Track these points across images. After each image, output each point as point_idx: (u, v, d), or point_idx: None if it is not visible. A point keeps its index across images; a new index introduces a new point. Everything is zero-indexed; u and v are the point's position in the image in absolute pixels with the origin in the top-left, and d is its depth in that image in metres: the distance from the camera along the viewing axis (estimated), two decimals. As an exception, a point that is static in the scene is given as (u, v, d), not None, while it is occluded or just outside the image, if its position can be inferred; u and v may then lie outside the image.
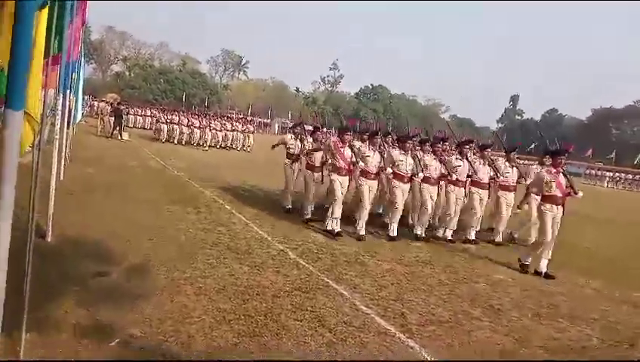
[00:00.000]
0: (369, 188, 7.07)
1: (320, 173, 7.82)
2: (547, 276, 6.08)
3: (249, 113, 31.90)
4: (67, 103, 7.27)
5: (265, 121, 58.58)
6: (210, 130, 22.38)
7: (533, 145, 37.82)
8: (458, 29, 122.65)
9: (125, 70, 68.35)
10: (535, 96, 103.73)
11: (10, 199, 1.52)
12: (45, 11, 2.22)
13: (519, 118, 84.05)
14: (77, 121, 12.95)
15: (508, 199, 8.00)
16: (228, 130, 23.31)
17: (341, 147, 7.02)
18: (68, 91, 6.99)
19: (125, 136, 20.44)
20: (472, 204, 7.81)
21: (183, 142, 21.62)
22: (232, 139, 23.43)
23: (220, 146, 22.66)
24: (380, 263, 5.79)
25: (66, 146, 8.62)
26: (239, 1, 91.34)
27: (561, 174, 6.33)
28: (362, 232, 6.93)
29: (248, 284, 4.45)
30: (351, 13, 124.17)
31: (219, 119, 23.98)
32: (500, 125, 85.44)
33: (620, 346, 4.15)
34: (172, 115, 23.29)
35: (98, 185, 8.54)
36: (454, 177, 7.44)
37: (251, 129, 25.23)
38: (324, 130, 8.52)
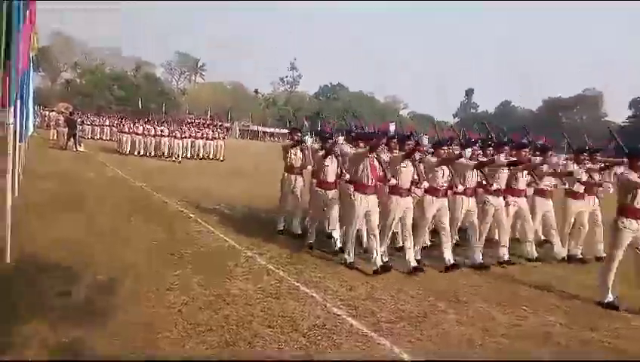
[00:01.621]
0: (399, 205, 5.73)
1: (334, 191, 6.40)
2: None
3: (208, 117, 31.16)
4: (19, 115, 7.00)
5: (225, 125, 57.99)
6: (181, 138, 20.41)
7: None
8: (412, 26, 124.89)
9: (76, 77, 66.00)
10: (489, 89, 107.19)
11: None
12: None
13: (474, 111, 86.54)
14: (29, 134, 12.43)
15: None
16: (198, 138, 21.38)
17: (370, 157, 5.61)
18: (19, 102, 6.73)
19: (80, 147, 19.76)
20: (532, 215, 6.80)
21: (151, 155, 20.04)
22: (202, 148, 21.37)
23: (192, 156, 20.72)
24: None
25: (20, 161, 8.29)
26: (194, 2, 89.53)
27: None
28: (379, 261, 5.56)
29: (218, 293, 4.43)
30: (305, 13, 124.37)
31: (187, 126, 22.10)
32: (456, 119, 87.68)
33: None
34: (135, 123, 21.44)
35: (55, 199, 8.24)
36: (494, 186, 6.22)
37: (221, 134, 23.07)
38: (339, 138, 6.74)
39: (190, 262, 5.34)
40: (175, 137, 20.30)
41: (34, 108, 19.40)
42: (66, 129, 20.06)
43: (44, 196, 8.40)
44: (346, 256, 5.78)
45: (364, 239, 6.26)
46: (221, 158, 21.44)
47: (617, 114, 77.83)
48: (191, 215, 8.04)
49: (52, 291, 4.12)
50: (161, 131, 20.68)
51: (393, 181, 5.53)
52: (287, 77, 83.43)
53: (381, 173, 5.60)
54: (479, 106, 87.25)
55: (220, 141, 22.17)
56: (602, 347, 4.01)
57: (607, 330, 4.36)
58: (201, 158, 20.68)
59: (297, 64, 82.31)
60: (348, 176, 6.01)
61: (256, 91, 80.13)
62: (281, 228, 7.20)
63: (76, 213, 7.34)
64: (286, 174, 7.15)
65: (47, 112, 34.13)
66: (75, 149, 19.21)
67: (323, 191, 6.35)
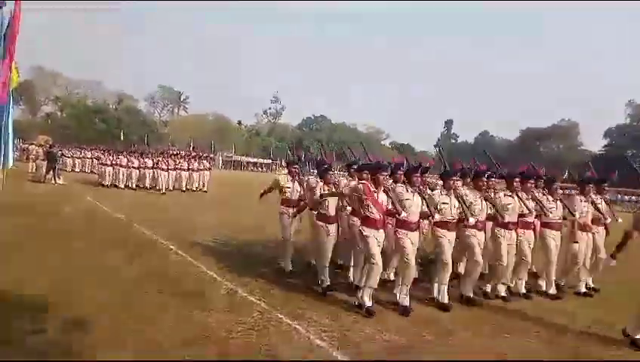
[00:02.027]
0: (411, 242, 5.42)
1: (335, 225, 6.13)
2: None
3: (190, 148, 30.99)
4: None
5: (210, 155, 57.92)
6: (167, 170, 19.85)
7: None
8: (392, 54, 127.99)
9: (56, 110, 65.64)
10: (467, 120, 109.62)
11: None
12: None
13: (454, 141, 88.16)
14: (9, 167, 12.20)
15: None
16: (183, 170, 20.58)
17: (374, 191, 5.32)
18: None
19: (60, 180, 19.47)
20: (548, 249, 6.52)
21: (133, 186, 19.66)
22: (187, 179, 20.68)
23: (176, 188, 20.13)
24: (334, 294, 5.79)
25: (-5, 195, 8.10)
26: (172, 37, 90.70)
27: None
28: (406, 302, 5.38)
29: (199, 327, 4.33)
30: (285, 42, 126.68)
31: (172, 158, 21.11)
32: (437, 149, 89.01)
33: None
34: (117, 155, 20.88)
35: (31, 234, 8.05)
36: (506, 219, 5.96)
37: (207, 165, 22.36)
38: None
39: (170, 296, 5.22)
40: (160, 168, 19.83)
41: (13, 142, 19.15)
42: (46, 162, 19.80)
43: (19, 231, 8.20)
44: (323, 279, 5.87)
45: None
46: (205, 189, 21.03)
47: (593, 142, 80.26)
48: (171, 246, 7.89)
49: (26, 329, 3.98)
50: (145, 163, 20.25)
51: (404, 214, 5.21)
52: (270, 109, 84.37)
53: (390, 207, 5.33)
54: (459, 136, 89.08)
55: (205, 172, 21.67)
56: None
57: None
58: (185, 190, 20.23)
59: (280, 95, 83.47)
60: (349, 209, 5.86)
61: (239, 123, 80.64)
62: (291, 269, 6.74)
63: (53, 249, 7.17)
64: (283, 208, 6.77)
65: (27, 145, 33.75)
66: (54, 182, 18.92)
67: (324, 224, 6.07)
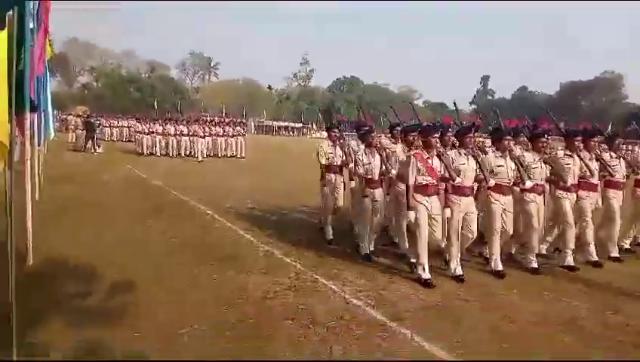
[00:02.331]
0: (461, 210, 5.05)
1: (380, 190, 5.82)
2: None
3: (223, 114, 31.20)
4: (35, 121, 7.11)
5: (243, 121, 58.34)
6: (202, 137, 20.03)
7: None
8: (424, 13, 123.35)
9: (92, 81, 67.07)
10: (505, 75, 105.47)
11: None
12: (4, 35, 2.17)
13: (491, 98, 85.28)
14: (50, 138, 12.66)
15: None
16: (219, 136, 21.00)
17: (427, 157, 4.92)
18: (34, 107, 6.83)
19: (99, 149, 20.09)
20: (610, 210, 6.07)
21: (171, 154, 19.85)
22: (223, 146, 21.04)
23: (214, 155, 20.36)
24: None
25: (39, 165, 8.44)
26: (206, 2, 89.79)
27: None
28: (459, 271, 5.06)
29: (236, 289, 4.45)
30: (318, 8, 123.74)
31: (206, 125, 21.43)
32: (472, 107, 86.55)
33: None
34: (153, 123, 21.22)
35: (76, 202, 8.39)
36: (568, 182, 5.60)
37: (242, 131, 22.36)
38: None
39: (209, 259, 5.37)
40: (197, 136, 19.97)
41: (53, 113, 19.77)
42: (85, 132, 20.42)
43: (64, 199, 8.55)
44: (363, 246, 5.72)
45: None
46: (242, 155, 21.09)
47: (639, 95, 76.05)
48: (208, 212, 8.09)
49: (74, 293, 4.19)
50: (181, 130, 20.36)
51: (458, 180, 4.93)
52: (299, 72, 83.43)
53: (442, 172, 4.92)
54: (496, 93, 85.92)
55: (240, 138, 21.63)
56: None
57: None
58: (222, 156, 20.40)
59: (309, 58, 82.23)
60: (394, 172, 5.68)
61: (269, 87, 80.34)
62: (331, 238, 6.48)
63: (96, 215, 7.46)
64: (328, 174, 6.53)
65: (65, 116, 34.71)
66: (93, 151, 19.54)
67: (368, 190, 5.78)
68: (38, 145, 8.11)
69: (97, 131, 21.11)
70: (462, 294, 4.59)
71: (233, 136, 21.43)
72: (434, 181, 4.89)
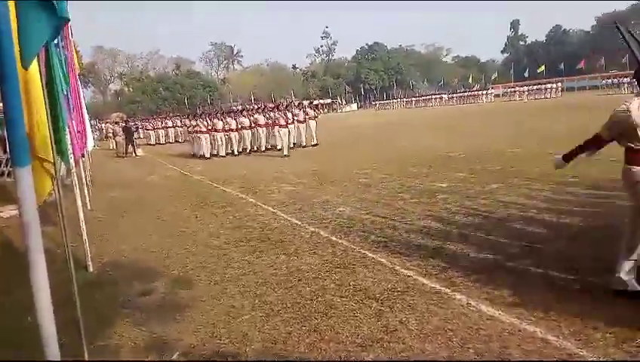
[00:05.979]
0: None
1: None
2: None
3: (252, 101, 31.37)
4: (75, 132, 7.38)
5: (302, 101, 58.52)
6: (251, 128, 17.35)
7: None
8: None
9: (123, 86, 68.90)
10: (536, 17, 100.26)
11: (40, 259, 1.51)
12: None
13: (523, 43, 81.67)
14: (91, 148, 13.17)
15: None
16: (301, 121, 17.18)
17: None
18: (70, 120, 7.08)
19: (140, 152, 20.72)
20: None
21: (236, 151, 17.19)
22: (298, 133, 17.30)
23: (258, 149, 17.49)
24: (411, 223, 5.80)
25: (86, 175, 8.80)
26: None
27: None
28: None
29: (288, 271, 4.53)
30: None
31: (265, 112, 17.45)
32: (505, 55, 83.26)
33: None
34: (211, 119, 17.91)
35: (125, 206, 8.72)
36: None
37: (312, 114, 17.94)
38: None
39: (257, 245, 5.48)
40: (258, 126, 17.33)
41: (90, 123, 20.48)
42: (124, 137, 21.08)
43: (113, 204, 8.90)
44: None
45: None
46: (314, 143, 17.36)
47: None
48: (250, 200, 8.23)
49: (134, 293, 4.38)
50: (242, 123, 17.30)
51: None
52: (322, 46, 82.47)
53: None
54: (528, 37, 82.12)
55: (311, 121, 17.73)
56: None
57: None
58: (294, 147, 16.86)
59: (330, 31, 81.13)
60: None
61: (294, 66, 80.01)
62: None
63: (145, 216, 7.73)
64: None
65: (103, 125, 35.88)
66: (134, 155, 20.18)
67: None
68: (83, 156, 8.44)
69: (135, 135, 21.74)
70: (514, 252, 4.49)
71: (302, 121, 17.31)
72: None
